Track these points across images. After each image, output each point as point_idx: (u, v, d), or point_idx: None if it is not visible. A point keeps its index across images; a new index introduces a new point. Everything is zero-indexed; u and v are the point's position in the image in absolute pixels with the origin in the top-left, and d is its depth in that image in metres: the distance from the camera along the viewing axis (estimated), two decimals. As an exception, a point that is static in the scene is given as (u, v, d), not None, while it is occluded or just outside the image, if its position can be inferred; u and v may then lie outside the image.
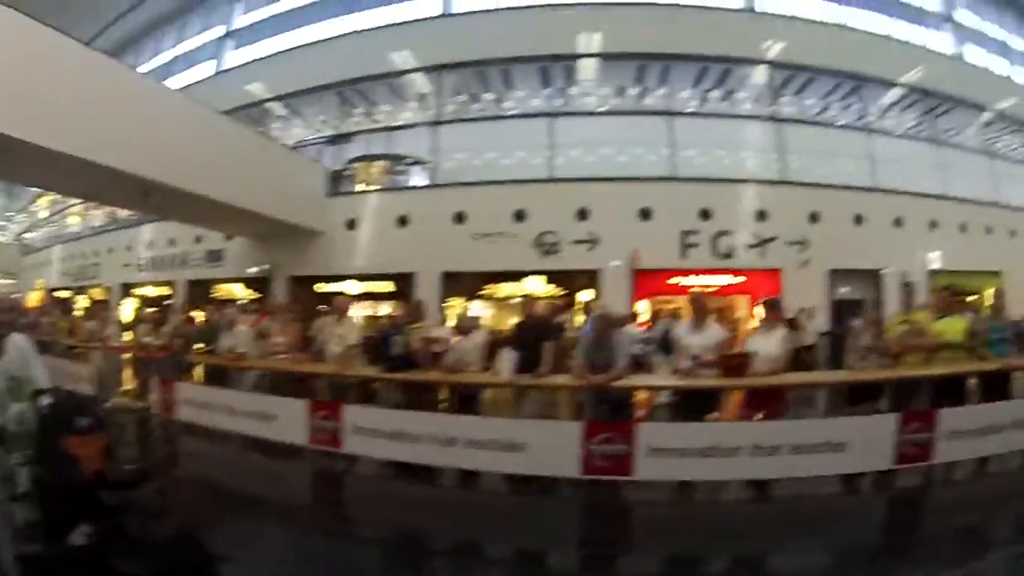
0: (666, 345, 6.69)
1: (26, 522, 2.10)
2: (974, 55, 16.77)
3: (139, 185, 9.76)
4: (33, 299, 20.38)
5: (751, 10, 14.21)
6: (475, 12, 14.33)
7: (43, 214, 24.95)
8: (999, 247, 15.39)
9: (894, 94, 15.08)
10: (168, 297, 16.85)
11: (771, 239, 12.80)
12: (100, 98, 8.43)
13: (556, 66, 13.74)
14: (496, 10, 14.17)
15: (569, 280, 12.70)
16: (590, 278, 12.55)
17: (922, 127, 15.43)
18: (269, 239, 15.11)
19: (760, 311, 5.92)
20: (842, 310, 12.28)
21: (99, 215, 20.34)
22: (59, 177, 10.07)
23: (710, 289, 12.80)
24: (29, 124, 7.20)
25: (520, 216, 12.81)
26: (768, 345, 4.96)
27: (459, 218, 13.13)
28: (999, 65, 17.56)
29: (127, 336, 9.96)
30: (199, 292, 16.08)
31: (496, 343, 6.05)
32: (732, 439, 4.65)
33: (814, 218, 13.09)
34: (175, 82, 19.01)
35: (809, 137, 13.96)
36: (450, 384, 5.77)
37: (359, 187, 15.04)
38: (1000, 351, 5.20)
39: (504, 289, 13.27)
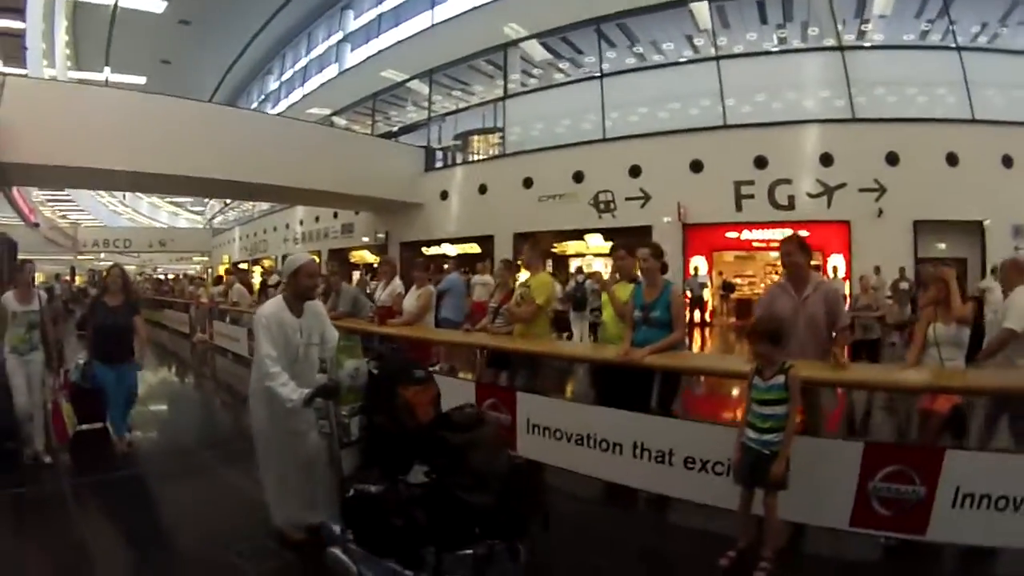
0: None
1: (356, 466, 2.28)
2: None
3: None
4: (221, 271, 26.46)
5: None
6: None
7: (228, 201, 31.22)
8: None
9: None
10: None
11: (838, 186, 12.10)
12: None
13: (609, 26, 14.19)
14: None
15: (625, 236, 13.58)
16: (644, 234, 13.27)
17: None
18: (383, 212, 18.08)
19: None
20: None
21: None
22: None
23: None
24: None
25: (579, 177, 13.92)
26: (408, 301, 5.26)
27: (527, 183, 14.65)
28: None
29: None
30: (338, 259, 19.68)
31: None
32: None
33: (892, 160, 12.11)
34: (307, 87, 23.02)
35: (884, 66, 12.66)
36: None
37: (473, 158, 17.31)
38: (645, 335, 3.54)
39: (570, 247, 14.61)
